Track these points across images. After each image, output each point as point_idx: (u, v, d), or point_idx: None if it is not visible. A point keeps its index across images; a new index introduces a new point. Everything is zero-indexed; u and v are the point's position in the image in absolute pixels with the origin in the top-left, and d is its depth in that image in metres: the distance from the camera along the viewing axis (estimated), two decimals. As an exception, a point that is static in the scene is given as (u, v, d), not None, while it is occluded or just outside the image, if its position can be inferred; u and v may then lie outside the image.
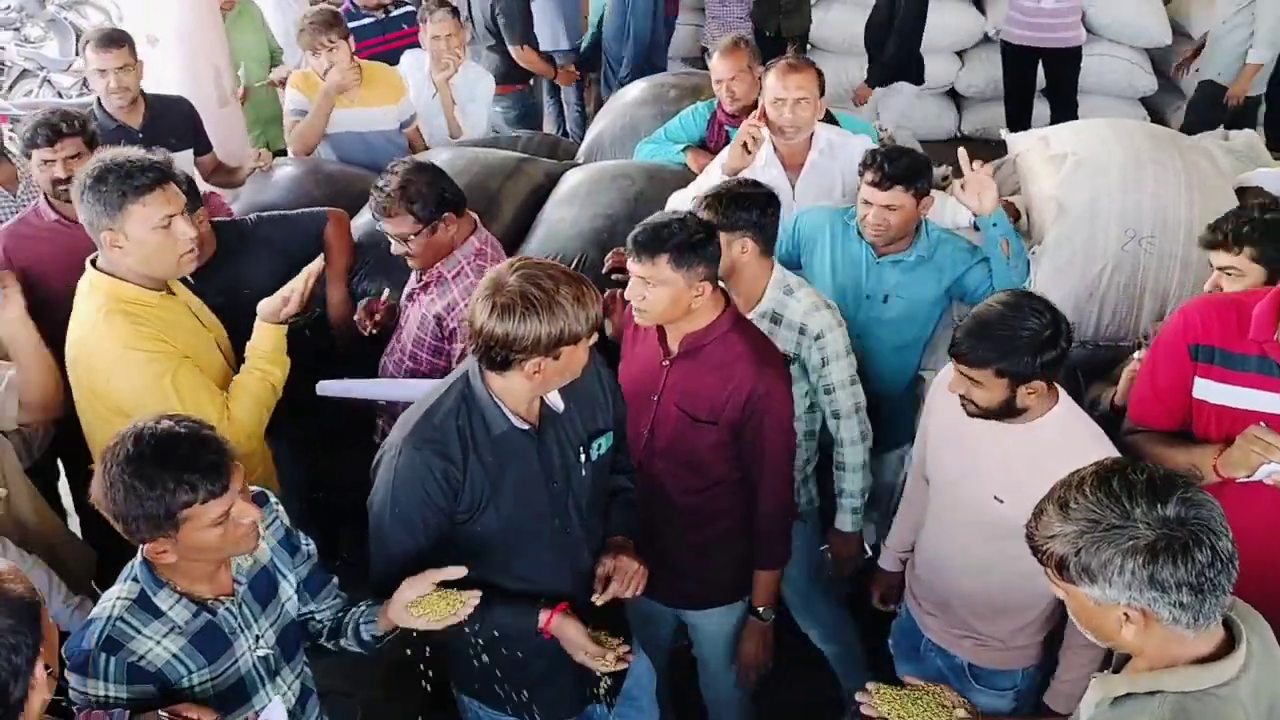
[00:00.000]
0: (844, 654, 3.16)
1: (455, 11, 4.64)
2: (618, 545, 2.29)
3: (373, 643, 2.09)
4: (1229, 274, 2.54)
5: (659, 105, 4.24)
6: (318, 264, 2.66)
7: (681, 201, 3.29)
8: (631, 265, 2.41)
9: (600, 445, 2.24)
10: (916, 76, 5.92)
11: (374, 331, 2.95)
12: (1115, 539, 1.47)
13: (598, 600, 2.20)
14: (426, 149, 4.30)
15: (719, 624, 2.78)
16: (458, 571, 2.01)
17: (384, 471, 2.09)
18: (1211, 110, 5.47)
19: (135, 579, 1.84)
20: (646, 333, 2.58)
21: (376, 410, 3.04)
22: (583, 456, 2.20)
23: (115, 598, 1.82)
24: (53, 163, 3.10)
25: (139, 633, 1.79)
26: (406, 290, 2.95)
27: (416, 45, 4.67)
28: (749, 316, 2.66)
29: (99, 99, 3.85)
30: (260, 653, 1.95)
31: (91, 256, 2.49)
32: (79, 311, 2.46)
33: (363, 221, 3.51)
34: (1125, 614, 1.50)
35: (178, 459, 1.71)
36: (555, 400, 2.15)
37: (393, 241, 2.80)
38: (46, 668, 1.45)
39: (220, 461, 1.75)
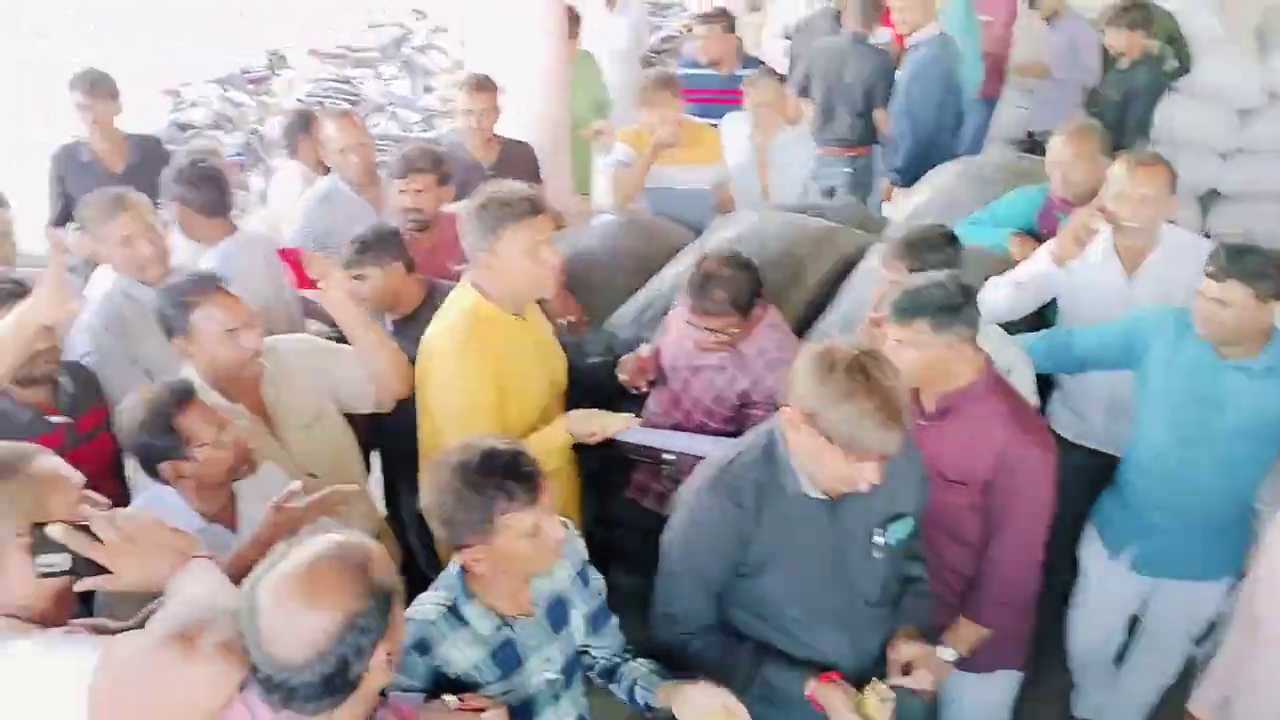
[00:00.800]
0: None
1: (782, 79, 4.74)
2: (912, 635, 2.20)
3: (643, 709, 2.11)
4: None
5: (981, 186, 4.10)
6: (625, 421, 2.71)
7: (999, 288, 3.18)
8: (889, 329, 2.39)
9: (898, 530, 2.18)
10: None
11: (645, 387, 3.02)
12: None
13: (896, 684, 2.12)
14: (735, 210, 4.39)
15: (973, 692, 2.66)
16: (743, 712, 1.97)
17: (680, 512, 2.17)
18: None
19: (449, 587, 1.96)
20: None
21: (632, 467, 3.09)
22: (879, 538, 2.15)
23: (430, 603, 1.95)
24: (405, 192, 3.44)
25: (446, 637, 1.91)
26: (684, 362, 2.97)
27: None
28: None
29: (458, 135, 4.21)
30: (548, 676, 2.02)
31: (468, 272, 2.68)
32: (442, 312, 2.69)
33: (673, 274, 3.65)
34: None
35: (498, 468, 1.85)
36: None
37: (704, 331, 2.82)
38: (389, 655, 1.54)
39: (533, 474, 1.88)
